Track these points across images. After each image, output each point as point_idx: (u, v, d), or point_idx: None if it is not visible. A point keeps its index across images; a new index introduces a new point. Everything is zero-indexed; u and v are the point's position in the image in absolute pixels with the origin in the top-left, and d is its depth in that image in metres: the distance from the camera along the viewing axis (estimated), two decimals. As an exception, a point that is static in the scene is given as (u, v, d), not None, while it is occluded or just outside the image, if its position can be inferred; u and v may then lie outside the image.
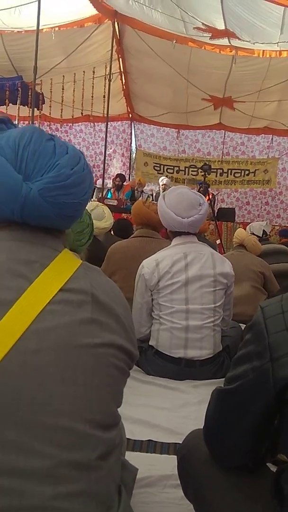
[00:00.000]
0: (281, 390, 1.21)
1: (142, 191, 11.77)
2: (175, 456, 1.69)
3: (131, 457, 1.82)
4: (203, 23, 8.84)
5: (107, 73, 10.16)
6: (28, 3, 8.21)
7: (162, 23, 9.28)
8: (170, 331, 3.21)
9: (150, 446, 2.41)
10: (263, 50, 9.80)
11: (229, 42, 9.53)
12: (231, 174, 14.00)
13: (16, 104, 9.91)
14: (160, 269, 3.26)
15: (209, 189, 10.80)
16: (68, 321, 1.17)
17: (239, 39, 9.26)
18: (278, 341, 1.22)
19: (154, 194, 11.81)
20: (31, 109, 8.75)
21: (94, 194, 11.41)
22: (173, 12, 8.72)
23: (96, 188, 11.63)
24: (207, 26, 8.94)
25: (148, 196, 11.41)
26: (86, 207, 4.67)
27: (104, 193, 11.09)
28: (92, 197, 10.91)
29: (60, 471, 1.10)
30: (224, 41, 9.50)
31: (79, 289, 1.22)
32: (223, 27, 8.91)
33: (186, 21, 8.93)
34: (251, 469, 1.42)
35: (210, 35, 9.27)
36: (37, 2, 7.36)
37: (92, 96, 10.42)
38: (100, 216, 4.83)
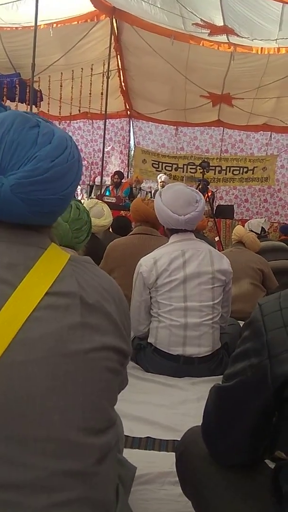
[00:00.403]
0: (279, 387, 1.20)
1: (140, 188, 11.77)
2: (174, 453, 1.69)
3: (130, 454, 1.83)
4: (201, 19, 8.82)
5: (105, 70, 10.15)
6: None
7: (161, 19, 9.26)
8: (168, 328, 3.21)
9: (148, 443, 2.41)
10: (262, 47, 9.80)
11: (228, 39, 9.52)
12: (229, 171, 13.97)
13: (14, 101, 9.89)
14: (158, 267, 3.25)
15: (208, 187, 10.79)
16: (56, 328, 1.11)
17: (238, 35, 9.25)
18: (276, 338, 1.22)
19: (152, 192, 11.80)
20: (29, 106, 8.73)
21: (93, 191, 11.42)
22: (172, 7, 8.70)
23: (94, 186, 11.63)
24: (206, 23, 8.93)
25: (147, 193, 11.42)
26: (85, 205, 4.65)
27: (102, 191, 11.08)
28: (90, 195, 10.89)
29: (55, 481, 1.08)
30: (222, 38, 9.48)
31: (66, 292, 1.15)
32: (221, 24, 8.89)
33: (185, 17, 8.92)
34: (249, 466, 1.42)
35: (209, 32, 9.25)
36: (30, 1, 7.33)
37: (90, 93, 10.41)
38: (99, 213, 4.82)
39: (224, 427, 1.38)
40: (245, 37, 9.30)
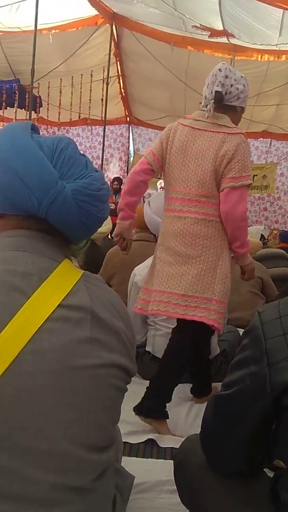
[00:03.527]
0: (278, 395, 1.20)
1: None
2: (172, 461, 1.68)
3: (128, 462, 1.82)
4: (201, 24, 8.82)
5: (105, 77, 10.17)
6: (25, 0, 8.16)
7: (161, 22, 9.25)
8: (166, 336, 3.19)
9: (146, 451, 2.40)
10: (261, 55, 9.81)
11: (228, 41, 9.49)
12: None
13: (13, 107, 9.89)
14: None
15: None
16: (66, 341, 1.11)
17: (238, 39, 9.25)
18: (275, 346, 1.21)
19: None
20: (28, 112, 8.74)
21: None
22: (172, 13, 8.69)
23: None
24: (205, 27, 8.92)
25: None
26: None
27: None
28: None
29: (55, 495, 1.08)
30: (223, 40, 9.47)
31: (78, 305, 1.16)
32: (221, 28, 8.88)
33: (185, 20, 8.91)
34: (248, 474, 1.41)
35: (209, 34, 9.25)
36: (34, 1, 7.32)
37: (90, 100, 10.41)
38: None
39: (223, 435, 1.37)
40: (245, 41, 9.29)
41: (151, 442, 2.50)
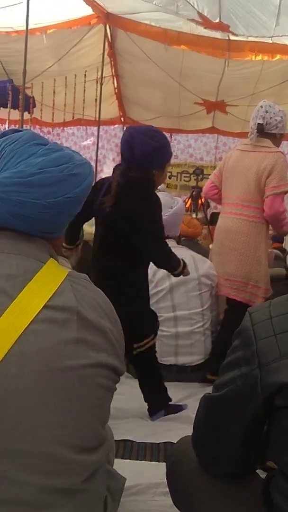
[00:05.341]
0: (269, 396, 1.19)
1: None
2: (165, 463, 1.67)
3: (121, 464, 1.82)
4: (198, 12, 8.71)
5: (98, 77, 10.15)
6: (17, 3, 8.13)
7: (155, 17, 9.19)
8: (159, 339, 3.19)
9: (140, 453, 2.39)
10: (256, 54, 9.79)
11: (226, 35, 9.40)
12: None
13: (7, 107, 9.86)
14: None
15: (202, 194, 10.79)
16: (52, 343, 1.10)
17: (233, 33, 9.18)
18: (266, 347, 1.20)
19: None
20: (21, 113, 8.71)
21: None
22: (168, 3, 8.59)
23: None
24: (202, 17, 8.82)
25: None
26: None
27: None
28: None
29: (45, 497, 1.07)
30: (217, 35, 9.41)
31: (64, 306, 1.14)
32: (217, 17, 8.76)
33: (181, 13, 8.82)
34: (240, 476, 1.40)
35: (204, 26, 9.19)
36: (25, 3, 7.29)
37: (84, 100, 10.39)
38: (91, 221, 4.79)
39: (214, 436, 1.36)
40: (240, 34, 9.21)
41: (144, 444, 2.49)
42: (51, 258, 1.25)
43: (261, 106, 3.57)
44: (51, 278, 1.18)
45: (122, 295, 2.63)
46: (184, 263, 2.85)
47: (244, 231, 3.51)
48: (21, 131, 1.29)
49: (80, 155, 1.33)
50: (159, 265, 2.88)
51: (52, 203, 1.20)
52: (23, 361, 1.07)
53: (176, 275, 2.90)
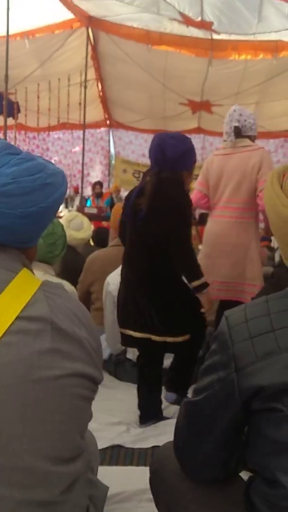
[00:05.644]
0: (246, 400, 1.18)
1: (121, 198, 11.76)
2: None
3: (106, 471, 1.81)
4: (180, 12, 8.70)
5: (82, 80, 10.13)
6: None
7: (137, 18, 9.18)
8: None
9: (127, 459, 2.38)
10: (239, 53, 9.81)
11: (209, 34, 9.38)
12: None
13: (-9, 114, 9.84)
14: None
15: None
16: (26, 354, 1.09)
17: (215, 32, 9.17)
18: (242, 351, 1.20)
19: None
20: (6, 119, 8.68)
21: (74, 203, 11.38)
22: (150, 5, 8.58)
23: (75, 196, 11.56)
24: (184, 16, 8.81)
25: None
26: (65, 218, 4.60)
27: (83, 202, 11.05)
28: (67, 206, 10.84)
29: (24, 511, 1.06)
30: (200, 34, 9.40)
31: (37, 317, 1.13)
32: (199, 16, 8.75)
33: (162, 14, 8.82)
34: (223, 480, 1.39)
35: (186, 26, 9.17)
36: (5, 10, 7.28)
37: (68, 104, 10.38)
38: (78, 226, 4.78)
39: (195, 441, 1.35)
40: (223, 32, 9.20)
41: (132, 450, 2.48)
42: (24, 268, 1.24)
43: (234, 110, 3.70)
44: (24, 288, 1.17)
45: (156, 288, 2.82)
46: (207, 285, 2.88)
47: (234, 234, 3.59)
48: None
49: (54, 164, 1.32)
50: (180, 267, 2.90)
51: (26, 213, 1.19)
52: None
53: (196, 288, 2.86)
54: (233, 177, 3.62)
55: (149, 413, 2.91)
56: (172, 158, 2.83)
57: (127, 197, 3.00)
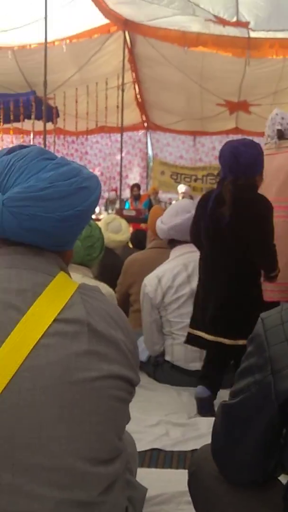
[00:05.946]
0: (283, 403, 1.17)
1: (159, 199, 11.76)
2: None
3: (146, 473, 1.81)
4: (215, 16, 8.63)
5: (119, 84, 10.19)
6: (37, 20, 8.21)
7: (173, 21, 9.15)
8: (184, 345, 3.18)
9: (166, 461, 2.38)
10: (277, 52, 9.70)
11: (246, 32, 9.25)
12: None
13: (31, 119, 9.96)
14: (162, 285, 3.24)
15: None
16: (63, 356, 1.11)
17: (252, 29, 9.04)
18: (278, 353, 1.19)
19: (172, 203, 11.75)
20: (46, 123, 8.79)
21: (114, 206, 11.42)
22: (185, 7, 8.52)
23: (114, 199, 11.59)
24: (218, 18, 8.73)
25: (166, 204, 11.37)
26: (104, 220, 4.65)
27: (122, 204, 11.08)
28: (107, 209, 10.88)
29: (63, 511, 1.07)
30: (236, 33, 9.29)
31: (74, 319, 1.15)
32: (234, 17, 8.65)
33: (198, 15, 8.75)
34: (261, 484, 1.38)
35: (223, 25, 9.08)
36: (43, 17, 7.38)
37: (106, 107, 10.44)
38: (117, 229, 4.81)
39: (232, 445, 1.35)
40: (260, 30, 9.04)
41: (171, 452, 2.49)
42: (61, 272, 1.26)
43: (277, 114, 3.84)
44: (61, 291, 1.19)
45: (240, 292, 2.91)
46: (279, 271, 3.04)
47: (284, 234, 3.55)
48: (28, 146, 1.30)
49: (87, 168, 1.33)
50: (262, 266, 3.03)
51: (63, 216, 1.21)
52: (35, 376, 1.08)
53: (271, 278, 3.04)
54: (279, 177, 3.65)
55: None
56: (247, 164, 2.92)
57: (202, 205, 3.05)
